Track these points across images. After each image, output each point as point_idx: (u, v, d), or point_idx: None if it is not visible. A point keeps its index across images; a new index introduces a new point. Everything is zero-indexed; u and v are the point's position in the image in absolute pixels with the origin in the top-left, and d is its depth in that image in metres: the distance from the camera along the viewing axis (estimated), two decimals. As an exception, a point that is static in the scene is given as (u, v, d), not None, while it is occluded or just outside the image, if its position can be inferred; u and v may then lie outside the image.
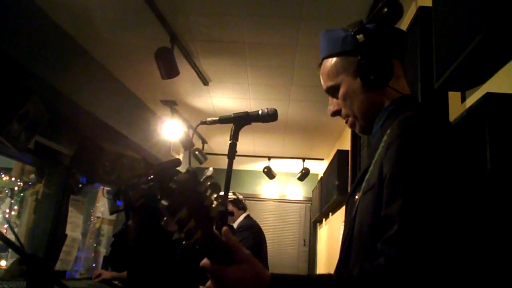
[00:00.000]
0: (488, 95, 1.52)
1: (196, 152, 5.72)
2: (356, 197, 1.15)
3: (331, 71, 1.25)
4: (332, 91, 1.28)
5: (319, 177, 6.94)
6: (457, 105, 2.06)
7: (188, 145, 5.04)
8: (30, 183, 4.02)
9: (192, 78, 4.22)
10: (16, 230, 3.83)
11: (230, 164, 1.52)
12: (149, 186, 2.00)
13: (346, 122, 1.30)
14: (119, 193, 2.29)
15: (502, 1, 1.47)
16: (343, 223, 1.30)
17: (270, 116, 1.58)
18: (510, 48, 1.57)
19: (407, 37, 1.39)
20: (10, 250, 3.69)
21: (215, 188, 0.84)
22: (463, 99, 2.02)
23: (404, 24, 2.70)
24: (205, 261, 0.93)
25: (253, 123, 1.58)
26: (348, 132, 4.88)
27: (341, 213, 5.30)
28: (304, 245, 8.03)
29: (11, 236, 1.73)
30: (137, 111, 4.96)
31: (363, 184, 1.12)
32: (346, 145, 4.96)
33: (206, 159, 5.86)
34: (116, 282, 3.34)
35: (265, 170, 6.57)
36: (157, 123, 5.26)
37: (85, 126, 4.09)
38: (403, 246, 0.91)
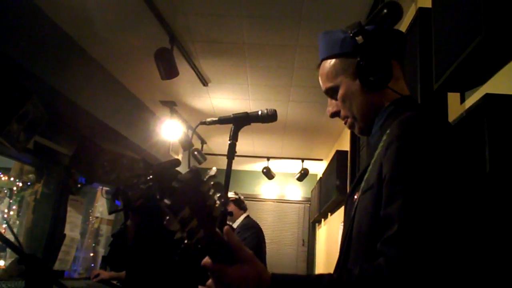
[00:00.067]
0: (487, 96, 1.52)
1: (195, 153, 5.72)
2: (355, 197, 1.15)
3: (330, 72, 1.26)
4: (331, 92, 1.28)
5: (318, 178, 6.95)
6: (457, 106, 2.06)
7: (187, 146, 5.04)
8: (29, 183, 4.02)
9: (192, 79, 4.22)
10: (15, 230, 3.83)
11: (230, 164, 1.52)
12: (148, 186, 2.00)
13: (345, 123, 1.30)
14: (118, 193, 2.29)
15: (502, 2, 1.47)
16: (342, 223, 1.30)
17: (269, 117, 1.58)
18: (510, 49, 1.57)
19: (406, 38, 1.39)
20: (9, 250, 3.69)
21: (218, 187, 0.84)
22: (463, 100, 2.02)
23: (403, 25, 2.71)
24: (206, 260, 0.94)
25: (252, 124, 1.58)
26: (347, 133, 4.89)
27: (340, 214, 5.31)
28: (303, 245, 8.03)
29: (10, 236, 1.73)
30: (137, 112, 4.96)
31: (362, 184, 1.12)
32: (345, 146, 4.97)
33: (205, 159, 5.86)
34: (114, 282, 3.34)
35: (264, 170, 6.58)
36: (157, 123, 5.26)
37: (84, 126, 4.08)
38: (403, 246, 0.91)
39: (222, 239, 0.91)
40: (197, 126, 1.65)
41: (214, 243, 0.88)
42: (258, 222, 4.30)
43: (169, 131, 5.05)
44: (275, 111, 1.59)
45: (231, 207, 4.16)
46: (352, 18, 2.93)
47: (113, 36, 3.57)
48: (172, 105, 5.02)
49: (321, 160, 7.00)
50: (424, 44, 2.13)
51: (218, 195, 0.84)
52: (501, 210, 1.35)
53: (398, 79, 1.23)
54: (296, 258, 7.99)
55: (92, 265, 4.92)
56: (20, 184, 4.02)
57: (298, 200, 8.17)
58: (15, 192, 4.02)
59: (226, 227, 0.95)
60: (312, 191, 7.48)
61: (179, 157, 5.74)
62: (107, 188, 4.43)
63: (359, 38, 1.19)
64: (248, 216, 4.23)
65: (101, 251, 5.08)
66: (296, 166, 6.93)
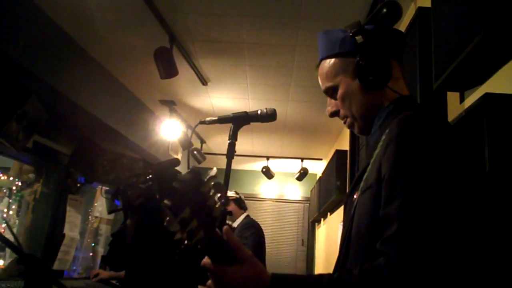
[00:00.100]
0: (486, 95, 1.52)
1: (195, 152, 5.72)
2: (355, 196, 1.15)
3: (330, 72, 1.26)
4: (331, 91, 1.28)
5: (317, 177, 6.95)
6: (456, 106, 2.06)
7: (186, 145, 5.04)
8: (28, 183, 4.01)
9: (191, 78, 4.22)
10: (14, 229, 3.82)
11: (229, 164, 1.52)
12: (147, 186, 2.00)
13: (345, 123, 1.30)
14: (117, 193, 2.29)
15: (501, 1, 1.47)
16: (342, 223, 1.30)
17: (269, 116, 1.58)
18: (509, 49, 1.57)
19: (406, 38, 1.39)
20: (8, 249, 3.69)
21: (219, 188, 0.84)
22: (462, 100, 2.02)
23: (403, 24, 2.71)
24: (206, 260, 0.93)
25: (252, 123, 1.58)
26: (346, 132, 4.89)
27: (339, 213, 5.31)
28: (303, 245, 8.03)
29: (9, 236, 1.73)
30: (136, 111, 4.96)
31: (361, 184, 1.12)
32: (345, 145, 4.97)
33: (204, 159, 5.86)
34: (114, 282, 3.34)
35: (264, 170, 6.58)
36: (156, 123, 5.25)
37: (83, 126, 4.08)
38: (402, 245, 0.91)
39: (222, 239, 0.91)
40: (196, 125, 1.65)
41: (214, 243, 0.88)
42: (257, 222, 4.31)
43: (169, 130, 5.04)
44: (274, 110, 1.59)
45: (232, 206, 4.18)
46: (352, 17, 2.93)
47: (112, 35, 3.56)
48: (171, 104, 5.02)
49: (321, 159, 7.00)
50: (423, 44, 2.13)
51: (218, 195, 0.84)
52: (501, 210, 1.35)
53: (397, 78, 1.23)
54: (295, 258, 7.99)
55: (92, 264, 4.92)
56: (20, 184, 4.02)
57: (297, 200, 8.17)
58: (15, 191, 4.01)
59: (225, 227, 0.95)
60: (311, 191, 7.49)
61: (179, 156, 5.74)
62: (107, 188, 4.44)
63: (358, 38, 1.19)
64: (248, 216, 4.25)
65: (101, 250, 5.08)
66: (295, 166, 6.93)
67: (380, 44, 1.20)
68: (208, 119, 1.60)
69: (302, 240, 8.05)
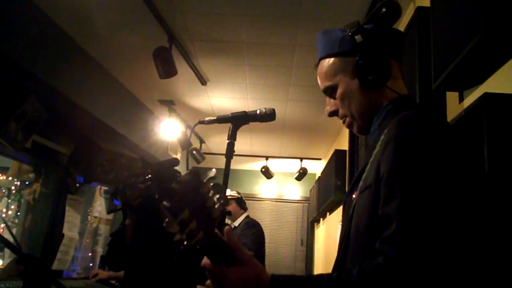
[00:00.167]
0: (486, 95, 1.52)
1: (194, 152, 5.72)
2: (354, 196, 1.15)
3: (329, 71, 1.25)
4: (330, 91, 1.28)
5: (316, 177, 6.95)
6: (455, 105, 2.06)
7: (185, 145, 5.04)
8: (27, 183, 4.01)
9: (190, 78, 4.21)
10: (13, 229, 3.82)
11: (228, 163, 1.52)
12: (146, 186, 2.00)
13: (344, 122, 1.30)
14: (116, 193, 2.29)
15: (500, 1, 1.47)
16: (341, 223, 1.30)
17: (268, 116, 1.58)
18: (509, 48, 1.57)
19: (405, 38, 1.39)
20: (7, 249, 3.68)
21: (218, 189, 0.84)
22: (461, 99, 2.02)
23: (402, 24, 2.71)
24: (205, 261, 0.93)
25: (251, 123, 1.58)
26: (346, 132, 4.89)
27: (338, 213, 5.31)
28: (302, 244, 8.03)
29: (8, 236, 1.73)
30: (135, 111, 4.95)
31: (360, 183, 1.12)
32: (344, 145, 4.97)
33: (203, 158, 5.86)
34: (113, 282, 3.34)
35: (263, 169, 6.58)
36: (155, 122, 5.25)
37: (82, 125, 4.08)
38: (402, 245, 0.91)
39: (221, 240, 0.91)
40: (195, 125, 1.65)
41: (213, 244, 0.88)
42: (258, 222, 4.34)
43: (168, 130, 5.04)
44: (273, 110, 1.59)
45: (233, 206, 4.20)
46: (351, 17, 2.93)
47: (111, 35, 3.56)
48: (170, 104, 5.02)
49: (320, 159, 7.00)
50: (422, 43, 2.13)
51: (217, 196, 0.84)
52: (500, 209, 1.35)
53: (396, 78, 1.23)
54: (294, 257, 8.00)
55: (91, 264, 4.92)
56: (19, 184, 4.02)
57: (296, 200, 8.17)
58: (14, 191, 4.01)
59: (226, 227, 0.95)
60: (310, 191, 7.49)
61: (178, 156, 5.74)
62: (106, 188, 4.43)
63: (358, 37, 1.19)
64: (248, 216, 4.27)
65: (100, 250, 5.08)
66: (294, 166, 6.93)
67: (379, 43, 1.20)
68: (207, 119, 1.60)
69: (301, 240, 8.05)
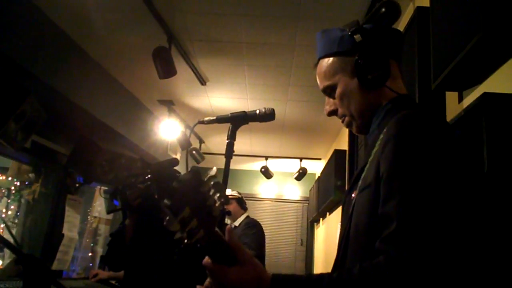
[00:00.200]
0: (485, 95, 1.52)
1: (194, 152, 5.72)
2: (353, 195, 1.15)
3: (328, 71, 1.26)
4: (329, 90, 1.28)
5: (316, 177, 6.95)
6: (455, 105, 2.06)
7: (185, 145, 5.04)
8: (27, 183, 4.01)
9: (190, 78, 4.21)
10: (13, 230, 3.82)
11: (228, 163, 1.52)
12: (146, 186, 2.00)
13: (343, 122, 1.30)
14: (116, 193, 2.29)
15: (500, 1, 1.48)
16: (340, 223, 1.30)
17: (267, 116, 1.58)
18: (508, 48, 1.57)
19: (404, 37, 1.39)
20: (7, 250, 3.68)
21: (218, 187, 0.84)
22: (461, 99, 2.02)
23: (401, 24, 2.71)
24: (206, 259, 0.93)
25: (250, 123, 1.58)
26: (345, 132, 4.89)
27: (338, 213, 5.31)
28: (301, 244, 8.03)
29: (7, 236, 1.73)
30: (135, 111, 4.95)
31: (360, 183, 1.12)
32: (344, 145, 4.97)
33: (203, 158, 5.86)
34: (113, 282, 3.34)
35: (263, 169, 6.58)
36: (155, 122, 5.25)
37: (82, 126, 4.08)
38: (402, 244, 0.91)
39: (222, 239, 0.91)
40: (195, 125, 1.65)
41: (214, 242, 0.88)
42: (259, 222, 4.37)
43: (167, 130, 5.04)
44: (273, 110, 1.59)
45: (234, 206, 4.22)
46: (350, 17, 2.92)
47: (111, 35, 3.56)
48: (170, 104, 5.02)
49: (319, 159, 7.00)
50: (422, 43, 2.13)
51: (218, 195, 0.84)
52: (499, 208, 1.35)
53: (395, 78, 1.23)
54: (294, 257, 8.00)
55: (91, 264, 4.92)
56: (18, 184, 4.02)
57: (296, 200, 8.17)
58: (13, 191, 4.01)
59: (228, 226, 0.95)
60: (310, 191, 7.49)
61: (177, 156, 5.74)
62: (105, 188, 4.43)
63: (357, 37, 1.19)
64: (248, 216, 4.29)
65: (100, 250, 5.08)
66: (294, 166, 6.93)
67: (379, 43, 1.20)
68: (206, 119, 1.60)
69: (301, 240, 8.05)
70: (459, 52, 1.64)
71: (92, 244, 5.02)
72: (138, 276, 2.33)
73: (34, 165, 3.99)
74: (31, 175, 4.00)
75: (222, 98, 4.87)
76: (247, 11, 3.16)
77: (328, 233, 6.24)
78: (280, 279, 0.96)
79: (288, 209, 8.18)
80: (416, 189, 0.95)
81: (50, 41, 3.31)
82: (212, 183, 0.84)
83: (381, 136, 1.07)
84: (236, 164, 7.54)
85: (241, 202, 4.26)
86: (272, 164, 6.81)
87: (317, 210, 6.32)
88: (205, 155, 5.99)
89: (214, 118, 1.59)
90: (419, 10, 2.22)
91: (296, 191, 8.13)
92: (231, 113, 1.57)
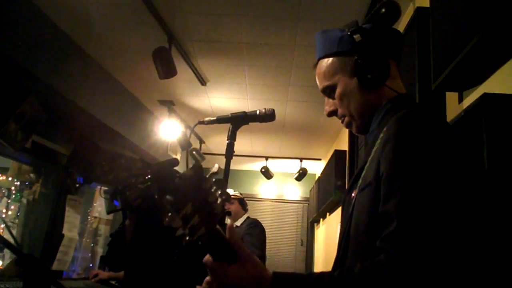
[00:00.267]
0: (485, 95, 1.52)
1: (194, 152, 5.72)
2: (353, 195, 1.15)
3: (328, 71, 1.26)
4: (329, 91, 1.28)
5: (316, 177, 6.95)
6: (455, 106, 2.06)
7: (185, 145, 5.03)
8: (27, 183, 4.01)
9: (190, 78, 4.22)
10: (13, 230, 3.82)
11: (228, 164, 1.52)
12: (146, 186, 2.00)
13: (342, 122, 1.30)
14: (116, 193, 2.29)
15: (500, 1, 1.48)
16: (340, 223, 1.30)
17: (267, 116, 1.58)
18: (508, 49, 1.57)
19: (403, 38, 1.39)
20: (7, 250, 3.68)
21: (220, 184, 0.84)
22: (461, 100, 2.02)
23: (401, 24, 2.71)
24: (207, 257, 0.93)
25: (250, 123, 1.58)
26: (345, 132, 4.89)
27: (338, 213, 5.31)
28: (302, 245, 8.03)
29: (7, 236, 1.73)
30: (135, 111, 4.95)
31: (360, 182, 1.12)
32: (344, 145, 4.97)
33: (203, 159, 5.86)
34: (113, 282, 3.34)
35: (263, 170, 6.58)
36: (155, 123, 5.25)
37: (82, 126, 4.08)
38: (403, 242, 0.91)
39: (223, 236, 0.91)
40: (195, 125, 1.65)
41: (215, 240, 0.88)
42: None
43: (167, 130, 5.05)
44: (273, 110, 1.59)
45: (236, 206, 4.26)
46: (350, 17, 2.92)
47: (111, 35, 3.56)
48: (170, 104, 5.02)
49: (320, 159, 7.00)
50: (422, 44, 2.13)
51: (219, 192, 0.84)
52: (499, 208, 1.35)
53: (395, 78, 1.23)
54: (294, 258, 7.99)
55: (91, 265, 4.92)
56: (18, 184, 4.02)
57: (296, 200, 8.17)
58: (13, 192, 4.01)
59: (229, 224, 0.95)
60: (310, 191, 7.49)
61: (178, 156, 5.74)
62: (106, 188, 4.43)
63: (356, 37, 1.20)
64: (249, 217, 4.34)
65: (100, 251, 5.08)
66: (294, 166, 6.93)
67: (378, 43, 1.20)
68: (206, 119, 1.60)
69: (301, 240, 8.05)
70: (459, 52, 1.64)
71: (92, 245, 5.01)
72: (138, 277, 2.33)
73: (34, 165, 3.99)
74: (32, 175, 4.00)
75: (222, 98, 4.87)
76: (247, 11, 3.16)
77: (328, 234, 6.24)
78: (280, 277, 0.96)
79: (288, 210, 8.17)
80: (417, 188, 0.95)
81: (50, 41, 3.31)
82: (213, 180, 0.84)
83: (381, 135, 1.08)
84: (236, 165, 7.54)
85: (243, 202, 4.33)
86: (272, 165, 6.81)
87: (317, 210, 6.32)
88: (205, 156, 5.99)
89: (214, 118, 1.59)
90: (419, 10, 2.22)
91: (296, 191, 8.13)
92: (231, 114, 1.57)
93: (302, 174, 6.67)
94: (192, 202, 0.80)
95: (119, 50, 3.82)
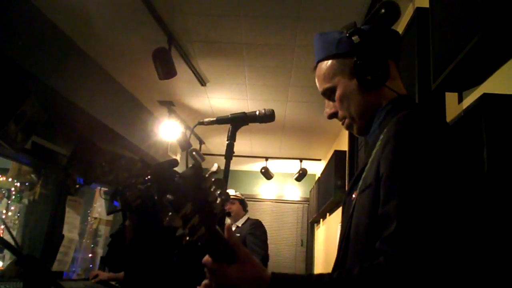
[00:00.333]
0: (485, 96, 1.52)
1: (194, 153, 5.68)
2: (353, 196, 1.15)
3: (327, 73, 1.26)
4: (329, 93, 1.28)
5: (316, 178, 6.95)
6: (454, 106, 2.06)
7: (185, 146, 5.03)
8: (27, 184, 4.01)
9: (190, 79, 4.22)
10: (13, 231, 3.82)
11: (228, 164, 1.52)
12: (146, 187, 2.00)
13: (343, 124, 1.30)
14: (116, 194, 2.29)
15: (499, 1, 1.48)
16: (340, 224, 1.30)
17: (267, 117, 1.58)
18: (507, 49, 1.57)
19: (402, 38, 1.40)
20: (7, 251, 3.68)
21: (219, 184, 0.84)
22: (460, 100, 2.02)
23: (401, 25, 2.71)
24: (206, 258, 0.93)
25: (250, 124, 1.58)
26: (345, 133, 4.89)
27: (338, 214, 5.31)
28: (302, 245, 8.02)
29: (8, 237, 1.73)
30: (135, 112, 4.95)
31: (360, 183, 1.12)
32: (344, 146, 4.97)
33: (203, 159, 5.84)
34: (113, 283, 3.34)
35: (263, 170, 6.58)
36: (155, 123, 5.25)
37: (82, 126, 4.08)
38: (402, 244, 0.91)
39: (222, 236, 0.91)
40: (195, 126, 1.65)
41: (214, 240, 0.88)
42: (261, 223, 4.47)
43: (167, 131, 5.05)
44: (273, 111, 1.59)
45: (236, 206, 4.29)
46: (350, 18, 2.93)
47: (111, 36, 3.56)
48: (170, 105, 5.02)
49: (320, 160, 6.99)
50: (421, 44, 2.13)
51: (218, 191, 0.84)
52: (499, 209, 1.35)
53: (394, 78, 1.23)
54: (294, 258, 7.99)
55: (91, 266, 4.92)
56: (18, 185, 4.02)
57: (296, 200, 8.17)
58: (14, 193, 4.01)
59: (227, 224, 0.96)
60: (310, 191, 7.49)
61: (177, 157, 5.74)
62: (106, 189, 4.43)
63: (355, 38, 1.19)
64: (249, 218, 4.37)
65: (100, 251, 5.08)
66: (294, 166, 6.93)
67: (377, 43, 1.20)
68: (206, 120, 1.60)
69: (301, 241, 8.05)
70: (459, 52, 1.64)
71: (92, 245, 5.01)
72: (138, 277, 2.33)
73: (34, 166, 3.99)
74: (32, 176, 4.00)
75: (222, 99, 4.87)
76: (247, 12, 3.16)
77: (328, 234, 6.24)
78: (279, 278, 0.96)
79: (288, 210, 8.17)
80: (416, 190, 0.95)
81: (50, 41, 3.32)
82: (213, 179, 0.84)
83: (382, 136, 1.07)
84: (236, 165, 7.54)
85: (243, 203, 4.36)
86: (272, 165, 6.81)
87: (317, 211, 6.31)
88: (205, 156, 5.98)
89: (214, 119, 1.59)
90: (418, 10, 2.22)
91: (296, 191, 8.13)
92: (231, 114, 1.57)
93: (302, 175, 6.67)
94: (192, 201, 0.80)
95: (119, 51, 3.82)
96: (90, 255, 4.95)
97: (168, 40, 3.46)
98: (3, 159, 3.79)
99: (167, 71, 3.41)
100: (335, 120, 1.34)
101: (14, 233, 3.78)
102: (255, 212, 7.76)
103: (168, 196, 0.79)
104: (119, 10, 3.20)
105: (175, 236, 0.81)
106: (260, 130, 5.64)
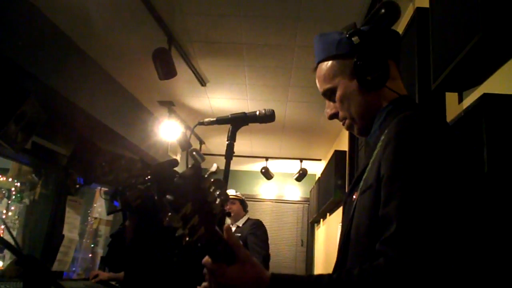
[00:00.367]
0: (485, 96, 1.52)
1: (194, 153, 5.68)
2: (354, 196, 1.15)
3: (327, 74, 1.25)
4: (329, 93, 1.28)
5: (316, 178, 6.95)
6: (454, 106, 2.06)
7: (185, 146, 5.04)
8: (27, 184, 4.01)
9: (190, 79, 4.22)
10: (13, 231, 3.82)
11: (228, 164, 1.52)
12: (146, 187, 2.00)
13: (343, 124, 1.30)
14: (116, 194, 2.29)
15: (500, 1, 1.48)
16: (341, 224, 1.29)
17: (267, 117, 1.58)
18: (507, 49, 1.57)
19: (402, 38, 1.40)
20: (7, 251, 3.68)
21: (219, 184, 0.84)
22: (460, 100, 2.02)
23: (401, 25, 2.71)
24: (206, 258, 0.93)
25: (250, 124, 1.58)
26: (345, 133, 4.89)
27: (338, 214, 5.31)
28: (302, 245, 8.02)
29: (8, 237, 1.73)
30: (135, 112, 4.95)
31: (361, 184, 1.12)
32: (344, 146, 4.97)
33: (203, 159, 5.85)
34: (113, 283, 3.34)
35: (263, 170, 6.58)
36: (155, 123, 5.25)
37: (82, 127, 4.08)
38: (402, 245, 0.91)
39: (221, 237, 0.90)
40: (195, 126, 1.65)
41: (214, 241, 0.88)
42: (261, 223, 4.47)
43: (167, 131, 5.05)
44: (273, 111, 1.59)
45: (237, 206, 4.30)
46: (350, 18, 2.93)
47: (111, 36, 3.56)
48: (170, 105, 5.02)
49: (320, 160, 7.00)
50: (422, 44, 2.13)
51: (218, 192, 0.84)
52: (499, 210, 1.35)
53: (395, 79, 1.23)
54: (294, 258, 7.99)
55: (91, 266, 4.92)
56: (18, 185, 4.02)
57: (296, 200, 8.17)
58: (14, 193, 4.01)
59: (226, 225, 0.95)
60: (310, 191, 7.48)
61: (178, 157, 5.74)
62: (106, 189, 4.43)
63: (355, 39, 1.19)
64: (250, 218, 4.37)
65: (100, 251, 5.08)
66: (294, 166, 6.93)
67: (377, 44, 1.20)
68: (206, 120, 1.60)
69: (302, 241, 8.04)
70: (459, 52, 1.64)
71: (92, 245, 5.01)
72: (138, 277, 2.33)
73: (35, 166, 3.99)
74: (32, 176, 4.00)
75: (222, 99, 4.87)
76: (247, 12, 3.16)
77: (328, 234, 6.24)
78: (279, 279, 0.96)
79: (289, 210, 8.17)
80: (417, 191, 0.94)
81: (50, 41, 3.32)
82: (212, 180, 0.84)
83: (382, 137, 1.07)
84: (236, 165, 7.54)
85: (243, 203, 4.36)
86: (272, 165, 6.81)
87: (317, 211, 6.31)
88: (205, 156, 5.99)
89: (214, 119, 1.59)
90: (418, 10, 2.22)
91: (297, 192, 8.13)
92: (231, 114, 1.57)
93: (302, 175, 6.67)
94: (192, 201, 0.80)
95: (119, 51, 3.82)
96: (90, 255, 4.95)
97: (168, 40, 3.46)
98: (3, 159, 3.79)
99: (167, 71, 3.41)
100: (335, 120, 1.34)
101: (14, 233, 3.78)
102: (255, 212, 7.76)
103: (168, 196, 0.79)
104: (119, 10, 3.20)
105: (175, 236, 0.81)
106: (260, 130, 5.64)
